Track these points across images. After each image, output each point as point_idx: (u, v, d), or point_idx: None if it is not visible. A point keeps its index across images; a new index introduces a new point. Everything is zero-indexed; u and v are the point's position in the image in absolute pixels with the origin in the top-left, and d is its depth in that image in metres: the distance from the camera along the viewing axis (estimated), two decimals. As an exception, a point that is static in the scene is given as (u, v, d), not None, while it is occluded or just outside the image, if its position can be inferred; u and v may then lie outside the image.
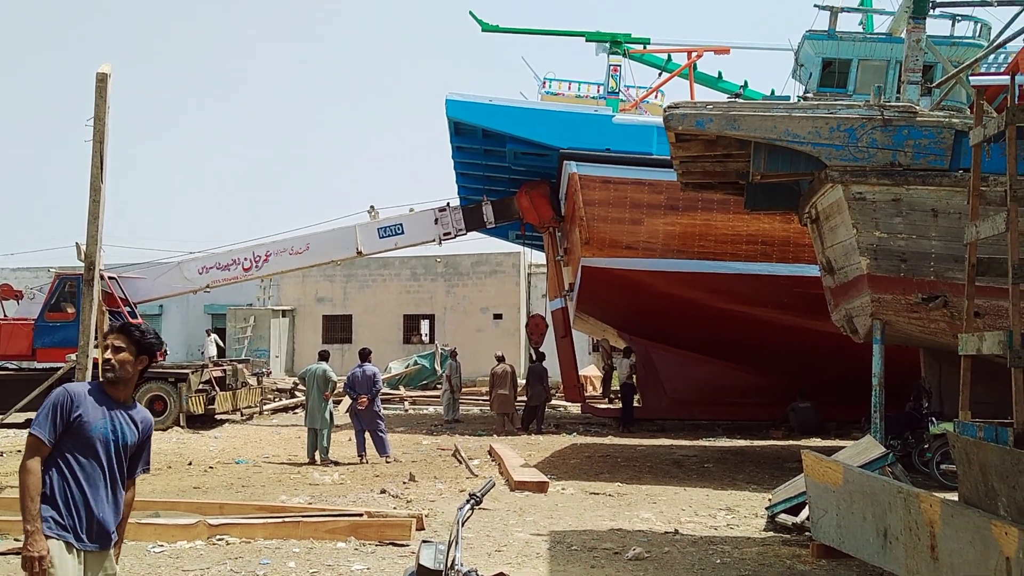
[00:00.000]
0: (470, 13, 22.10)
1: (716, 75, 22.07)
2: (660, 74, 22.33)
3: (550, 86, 21.57)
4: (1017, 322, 6.72)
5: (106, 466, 4.28)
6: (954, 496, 7.14)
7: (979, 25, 17.93)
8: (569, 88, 21.60)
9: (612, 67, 20.63)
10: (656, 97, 21.37)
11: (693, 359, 20.21)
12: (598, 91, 21.20)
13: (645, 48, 21.77)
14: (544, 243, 23.01)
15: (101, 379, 4.38)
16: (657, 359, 20.76)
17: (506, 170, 21.50)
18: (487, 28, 22.18)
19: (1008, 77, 8.32)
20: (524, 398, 20.96)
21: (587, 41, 21.25)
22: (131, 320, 12.58)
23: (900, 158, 10.99)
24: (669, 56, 22.11)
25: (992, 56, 18.21)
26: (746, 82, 22.00)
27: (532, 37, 23.45)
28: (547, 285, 24.00)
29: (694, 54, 21.47)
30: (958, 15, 17.60)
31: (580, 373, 28.59)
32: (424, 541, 3.99)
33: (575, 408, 25.09)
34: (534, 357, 21.87)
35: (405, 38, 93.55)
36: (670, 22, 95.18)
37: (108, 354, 4.34)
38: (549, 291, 23.42)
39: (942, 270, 11.08)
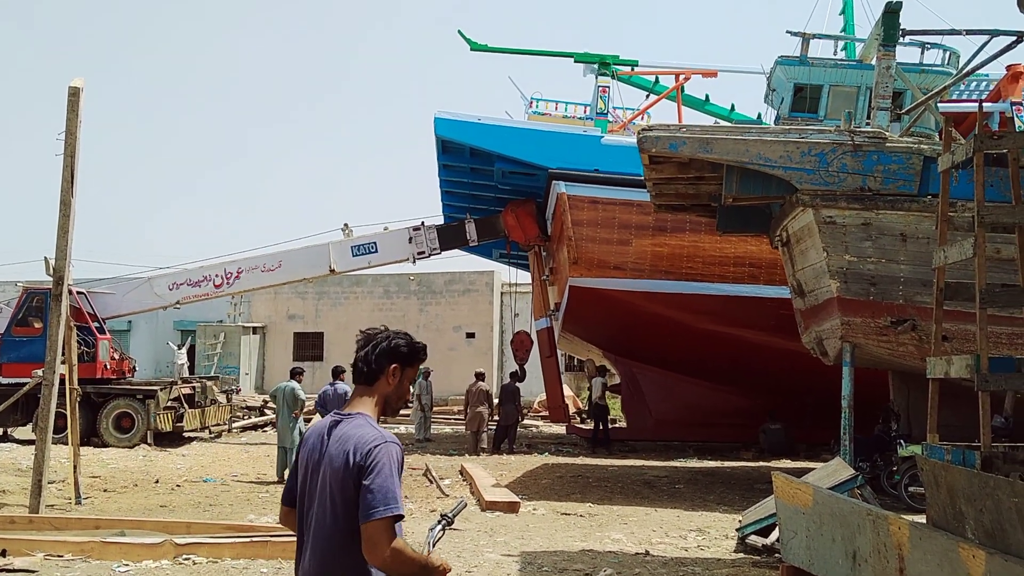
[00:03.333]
0: (459, 32, 22.15)
1: (703, 98, 22.20)
2: (648, 96, 22.37)
3: (537, 106, 21.56)
4: (984, 346, 6.81)
5: None
6: (922, 519, 7.19)
7: (948, 53, 18.22)
8: (556, 108, 21.59)
9: (601, 88, 20.69)
10: (643, 119, 21.43)
11: (679, 380, 20.19)
12: (585, 112, 21.25)
13: (633, 70, 21.84)
14: (529, 262, 23.00)
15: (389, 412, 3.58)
16: (642, 380, 20.73)
17: (492, 189, 21.47)
18: (476, 47, 22.20)
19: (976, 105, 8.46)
20: (496, 417, 20.91)
21: (576, 62, 21.31)
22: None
23: (870, 183, 11.14)
24: (657, 78, 22.19)
25: (974, 84, 18.55)
26: (733, 105, 22.15)
27: (519, 57, 23.52)
28: (532, 305, 24.00)
29: (682, 77, 21.56)
30: (927, 43, 17.87)
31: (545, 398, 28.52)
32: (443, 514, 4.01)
33: (547, 428, 25.07)
34: (520, 375, 21.91)
35: (389, 56, 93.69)
36: (659, 44, 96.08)
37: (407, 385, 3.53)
38: (534, 311, 23.43)
39: (911, 294, 11.22)
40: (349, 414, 3.41)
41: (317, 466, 3.34)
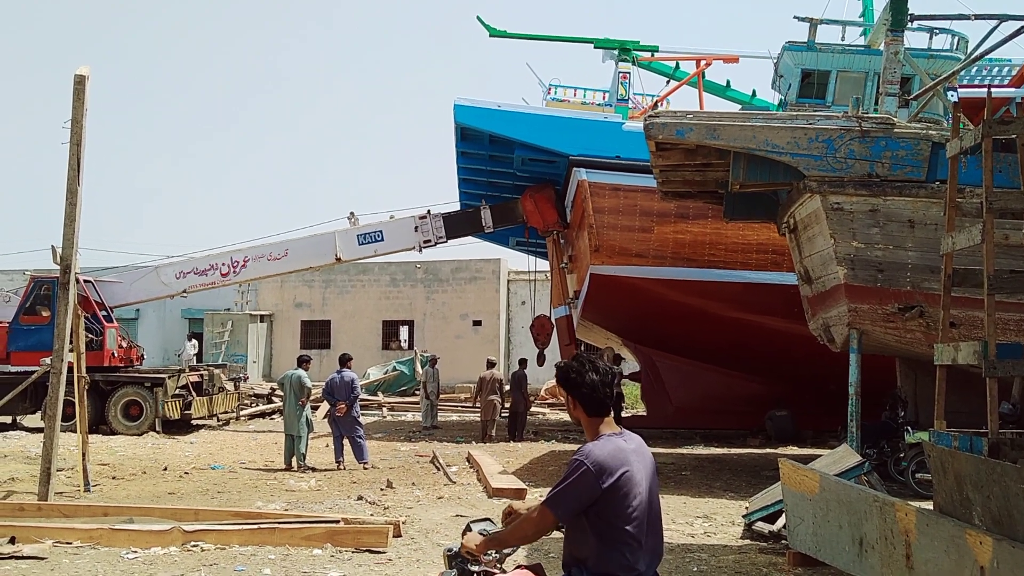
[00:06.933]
0: (478, 18, 21.99)
1: (725, 84, 22.01)
2: (668, 82, 22.17)
3: (556, 92, 21.39)
4: (992, 332, 6.79)
5: None
6: (929, 505, 7.19)
7: (956, 38, 18.10)
8: (575, 95, 21.38)
9: (621, 74, 20.51)
10: (664, 105, 21.26)
11: (699, 368, 20.01)
12: (603, 98, 21.05)
13: (653, 56, 21.62)
14: (548, 250, 22.80)
15: None
16: (662, 368, 20.57)
17: (511, 176, 21.31)
18: (495, 33, 22.06)
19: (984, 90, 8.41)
20: (506, 405, 20.91)
21: (596, 48, 21.12)
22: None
23: (878, 169, 11.09)
24: (677, 64, 21.96)
25: (996, 69, 18.42)
26: (754, 91, 21.95)
27: (535, 43, 23.32)
28: (550, 292, 23.89)
29: (703, 62, 21.32)
30: (936, 28, 17.77)
31: (551, 385, 28.52)
32: (474, 521, 4.27)
33: (554, 415, 25.08)
34: (541, 360, 21.87)
35: (403, 42, 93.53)
36: (680, 30, 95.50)
37: None
38: (552, 299, 23.31)
39: (918, 280, 11.18)
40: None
41: (642, 475, 4.11)
